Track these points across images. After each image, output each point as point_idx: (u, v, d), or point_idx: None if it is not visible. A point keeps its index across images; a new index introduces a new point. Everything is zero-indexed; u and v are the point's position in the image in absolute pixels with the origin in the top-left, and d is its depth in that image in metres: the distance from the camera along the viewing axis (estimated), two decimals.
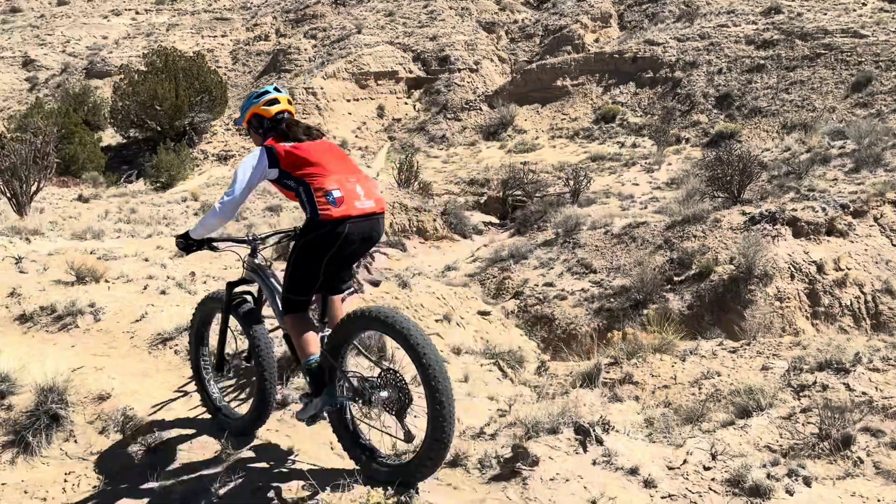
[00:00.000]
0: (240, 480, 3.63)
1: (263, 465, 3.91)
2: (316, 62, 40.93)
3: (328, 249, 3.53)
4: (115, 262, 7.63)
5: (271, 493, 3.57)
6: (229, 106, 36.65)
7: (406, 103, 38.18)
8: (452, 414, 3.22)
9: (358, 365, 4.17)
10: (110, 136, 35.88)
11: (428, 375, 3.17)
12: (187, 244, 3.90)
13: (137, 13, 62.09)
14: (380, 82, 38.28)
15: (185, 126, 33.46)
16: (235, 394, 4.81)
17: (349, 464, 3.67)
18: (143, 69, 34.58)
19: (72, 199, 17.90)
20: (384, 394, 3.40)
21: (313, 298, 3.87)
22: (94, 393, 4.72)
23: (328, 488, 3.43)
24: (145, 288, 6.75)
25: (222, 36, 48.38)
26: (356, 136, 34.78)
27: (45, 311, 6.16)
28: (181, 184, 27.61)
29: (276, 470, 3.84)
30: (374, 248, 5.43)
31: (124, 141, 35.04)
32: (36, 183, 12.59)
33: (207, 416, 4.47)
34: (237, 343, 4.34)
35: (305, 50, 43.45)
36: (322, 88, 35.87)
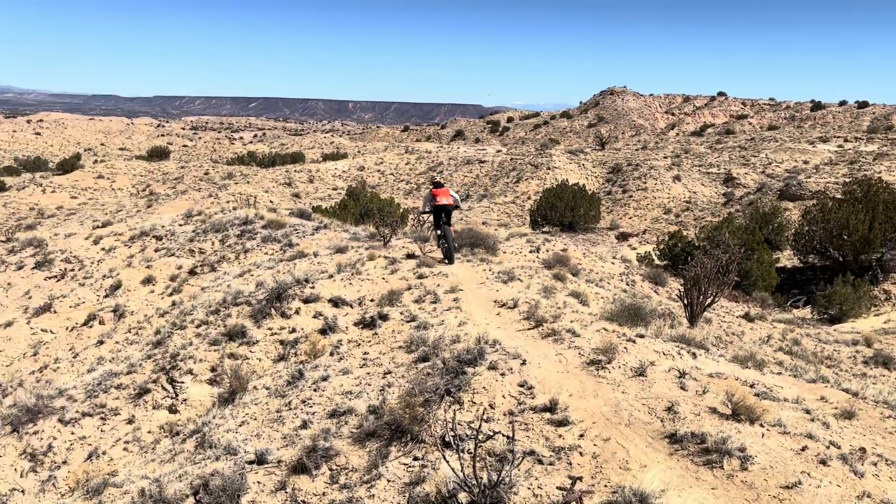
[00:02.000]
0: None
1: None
2: None
3: (437, 212, 14.46)
4: (774, 404, 7.05)
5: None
6: None
7: None
8: (453, 243, 14.42)
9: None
10: (787, 258, 35.64)
11: (447, 235, 14.32)
12: (421, 214, 17.38)
13: (846, 140, 60.75)
14: None
15: (872, 261, 30.71)
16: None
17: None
18: (839, 197, 33.34)
19: (738, 314, 18.11)
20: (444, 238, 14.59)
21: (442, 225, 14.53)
22: None
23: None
24: (803, 449, 5.97)
25: None
26: None
27: (695, 438, 6.00)
28: (851, 322, 25.31)
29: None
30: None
31: (800, 265, 34.30)
32: (712, 296, 13.09)
33: None
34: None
35: None
36: None
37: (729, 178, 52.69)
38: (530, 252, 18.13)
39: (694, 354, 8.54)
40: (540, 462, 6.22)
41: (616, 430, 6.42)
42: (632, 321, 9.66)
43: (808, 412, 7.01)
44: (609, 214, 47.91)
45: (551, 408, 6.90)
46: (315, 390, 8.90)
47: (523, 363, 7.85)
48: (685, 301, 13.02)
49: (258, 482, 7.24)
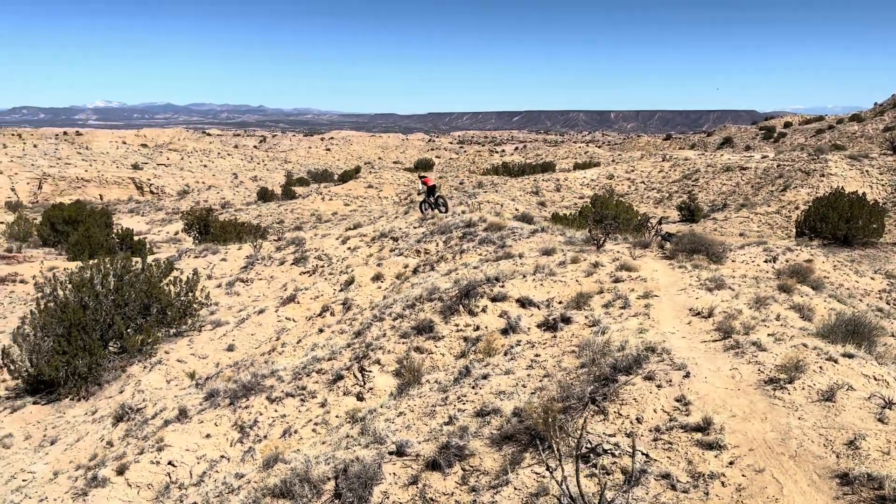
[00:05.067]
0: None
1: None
2: None
3: (430, 190, 26.19)
4: None
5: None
6: None
7: None
8: (446, 201, 26.97)
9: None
10: None
11: (440, 202, 26.21)
12: (420, 193, 27.50)
13: None
14: None
15: None
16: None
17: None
18: None
19: None
20: (440, 206, 26.14)
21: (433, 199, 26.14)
22: None
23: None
24: None
25: None
26: None
27: (872, 482, 4.67)
28: None
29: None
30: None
31: None
32: None
33: None
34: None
35: None
36: None
37: None
38: (765, 262, 16.11)
39: None
40: (673, 488, 5.31)
41: (775, 462, 5.27)
42: (848, 338, 7.98)
43: None
44: None
45: (704, 427, 5.88)
46: (473, 388, 8.63)
47: (686, 375, 6.83)
48: None
49: (393, 473, 7.15)
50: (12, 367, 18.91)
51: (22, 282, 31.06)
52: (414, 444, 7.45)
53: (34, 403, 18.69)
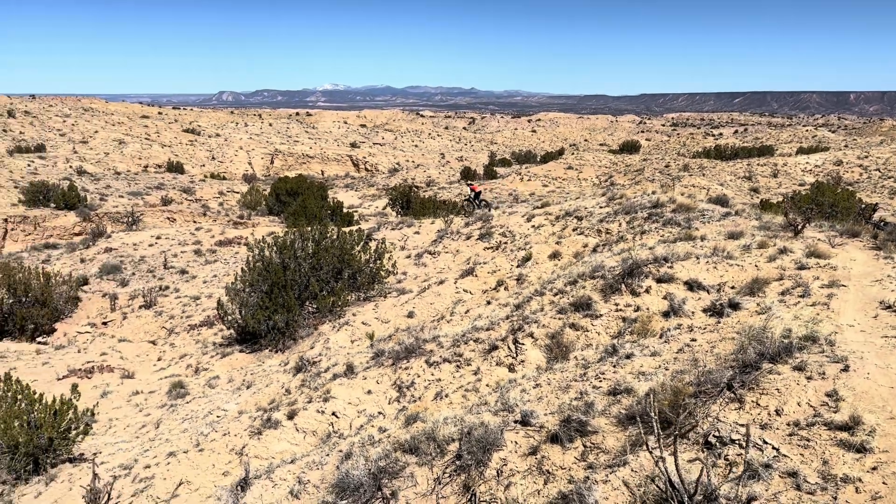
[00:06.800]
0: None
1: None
2: None
3: (477, 195, 34.72)
4: None
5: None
6: None
7: None
8: (490, 205, 35.00)
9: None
10: None
11: (483, 203, 34.53)
12: (468, 198, 36.48)
13: None
14: None
15: None
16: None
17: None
18: None
19: None
20: (484, 206, 33.55)
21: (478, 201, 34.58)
22: None
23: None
24: None
25: None
26: None
27: None
28: None
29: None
30: None
31: None
32: None
33: None
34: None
35: None
36: None
37: None
38: None
39: None
40: (797, 488, 4.69)
41: None
42: None
43: None
44: None
45: (850, 427, 5.13)
46: (614, 366, 8.24)
47: (845, 369, 5.98)
48: None
49: (515, 442, 7.05)
50: (225, 319, 21.22)
51: (246, 244, 34.80)
52: (539, 415, 7.28)
53: (240, 352, 20.87)
